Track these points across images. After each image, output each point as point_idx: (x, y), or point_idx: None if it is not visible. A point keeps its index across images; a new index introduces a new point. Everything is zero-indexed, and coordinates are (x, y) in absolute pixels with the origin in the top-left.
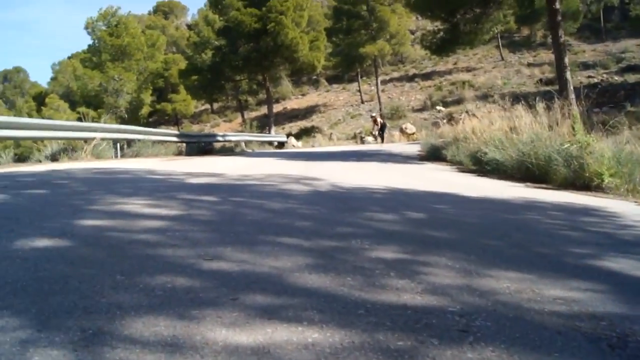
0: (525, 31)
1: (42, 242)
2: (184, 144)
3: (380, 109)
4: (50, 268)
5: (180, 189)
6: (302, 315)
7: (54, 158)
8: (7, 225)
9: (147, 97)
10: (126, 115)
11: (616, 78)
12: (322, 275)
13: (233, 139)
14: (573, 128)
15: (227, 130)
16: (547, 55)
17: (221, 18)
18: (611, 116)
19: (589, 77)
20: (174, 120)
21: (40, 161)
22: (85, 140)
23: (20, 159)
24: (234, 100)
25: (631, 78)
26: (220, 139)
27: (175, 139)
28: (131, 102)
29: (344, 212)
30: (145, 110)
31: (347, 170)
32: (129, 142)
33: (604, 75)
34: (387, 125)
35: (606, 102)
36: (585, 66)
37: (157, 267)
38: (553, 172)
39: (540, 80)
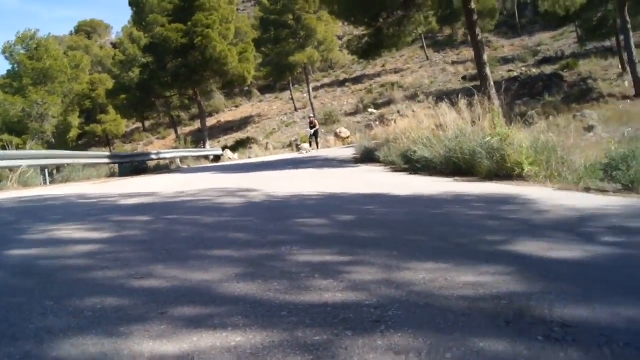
0: (447, 31)
1: None
2: (117, 165)
3: (315, 115)
4: None
5: (113, 211)
6: (227, 322)
7: None
8: None
9: (75, 120)
10: (53, 140)
11: (534, 70)
12: (250, 283)
13: (167, 156)
14: (494, 122)
15: (161, 148)
16: (469, 53)
17: (146, 35)
18: (531, 107)
19: (509, 70)
20: (105, 141)
21: None
22: (11, 169)
23: None
24: (166, 116)
25: (547, 69)
26: (154, 157)
27: (106, 160)
28: (58, 126)
29: (277, 220)
30: (73, 133)
31: (282, 179)
32: (58, 168)
33: (523, 69)
34: (319, 130)
35: (526, 94)
36: (505, 60)
37: (87, 290)
38: (478, 165)
39: (465, 77)
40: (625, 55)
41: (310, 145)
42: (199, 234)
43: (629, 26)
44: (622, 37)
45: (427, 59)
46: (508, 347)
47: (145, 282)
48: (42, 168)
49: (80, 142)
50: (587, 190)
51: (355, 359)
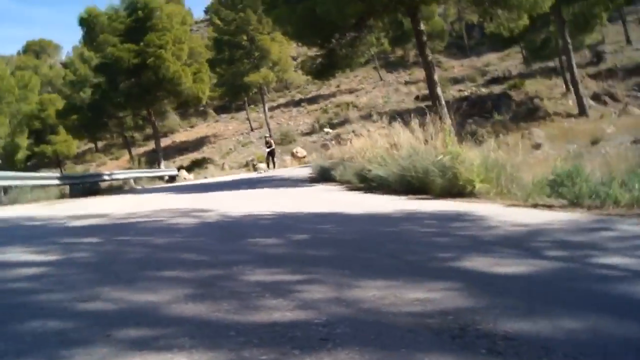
0: (399, 52)
1: None
2: (67, 187)
3: (271, 135)
4: None
5: (61, 234)
6: (173, 343)
7: None
8: None
9: (23, 141)
10: (0, 161)
11: (483, 90)
12: (199, 303)
13: (121, 176)
14: (445, 140)
15: (114, 169)
16: (421, 73)
17: (97, 55)
18: (481, 126)
19: (460, 90)
20: (56, 162)
21: None
22: None
23: None
24: (119, 137)
25: (496, 89)
26: (107, 177)
27: (56, 181)
28: (5, 147)
29: (229, 240)
30: (22, 154)
31: (237, 199)
32: (5, 189)
33: (473, 88)
34: (275, 149)
35: (477, 113)
36: (456, 81)
37: (28, 314)
38: (431, 183)
39: (417, 96)
40: (568, 75)
41: (267, 165)
42: (149, 255)
43: (570, 47)
44: (564, 58)
45: (381, 79)
46: None
47: (90, 305)
48: None
49: (29, 164)
50: (535, 206)
51: None
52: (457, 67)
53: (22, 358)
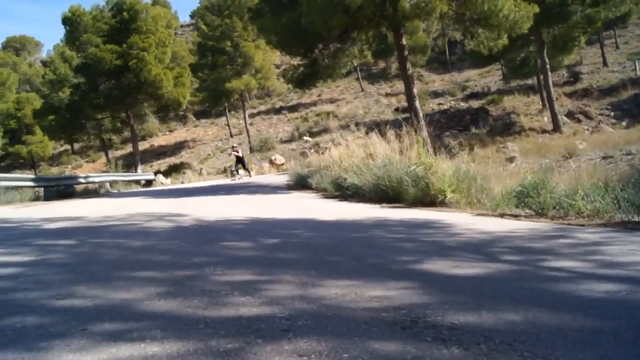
0: (382, 64)
1: None
2: (42, 189)
3: (250, 142)
4: None
5: (36, 235)
6: (145, 335)
7: None
8: None
9: None
10: None
11: (462, 104)
12: (171, 300)
13: (97, 180)
14: (419, 152)
15: (90, 171)
16: (402, 86)
17: (79, 55)
18: (458, 139)
19: (440, 104)
20: (31, 163)
21: None
22: None
23: None
24: (96, 139)
25: (475, 104)
26: (82, 180)
27: (31, 183)
28: None
29: (203, 244)
30: None
31: (214, 204)
32: None
33: (452, 102)
34: (243, 158)
35: (455, 126)
36: (436, 94)
37: (7, 311)
38: (404, 192)
39: (397, 108)
40: (544, 93)
41: (236, 171)
42: (124, 256)
43: (548, 66)
44: (542, 77)
45: (362, 90)
46: (399, 347)
47: (67, 302)
48: None
49: (2, 164)
50: (502, 215)
51: None
52: (437, 81)
53: (4, 350)
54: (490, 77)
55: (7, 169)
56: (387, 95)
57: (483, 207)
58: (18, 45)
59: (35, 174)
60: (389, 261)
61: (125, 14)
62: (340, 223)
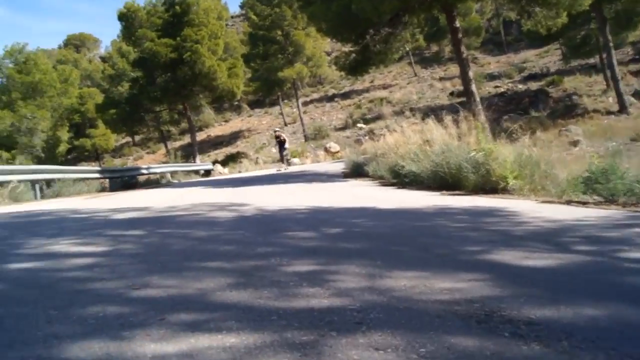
0: (435, 47)
1: None
2: (107, 180)
3: (304, 130)
4: None
5: (106, 226)
6: (221, 326)
7: None
8: None
9: (64, 134)
10: (43, 155)
11: (520, 86)
12: (242, 291)
13: (158, 170)
14: (478, 137)
15: (151, 162)
16: (456, 69)
17: (135, 49)
18: (517, 122)
19: (496, 86)
20: (95, 155)
21: None
22: (1, 184)
23: None
24: (155, 131)
25: (533, 86)
26: (144, 171)
27: (97, 175)
28: (47, 141)
29: (267, 233)
30: (63, 147)
31: (273, 193)
32: (49, 182)
33: (509, 85)
34: (286, 145)
35: (513, 109)
36: (492, 77)
37: (88, 300)
38: (464, 179)
39: (452, 92)
40: (608, 72)
41: (282, 160)
42: (191, 246)
43: (611, 44)
44: (604, 55)
45: (415, 75)
46: (476, 343)
47: (143, 292)
48: (33, 183)
49: (69, 157)
50: (569, 202)
51: (339, 355)
52: (493, 63)
53: (89, 338)
54: (549, 58)
55: (74, 162)
56: (441, 79)
57: (548, 193)
58: (78, 43)
59: (100, 165)
60: (455, 251)
61: (177, 7)
62: (401, 211)
